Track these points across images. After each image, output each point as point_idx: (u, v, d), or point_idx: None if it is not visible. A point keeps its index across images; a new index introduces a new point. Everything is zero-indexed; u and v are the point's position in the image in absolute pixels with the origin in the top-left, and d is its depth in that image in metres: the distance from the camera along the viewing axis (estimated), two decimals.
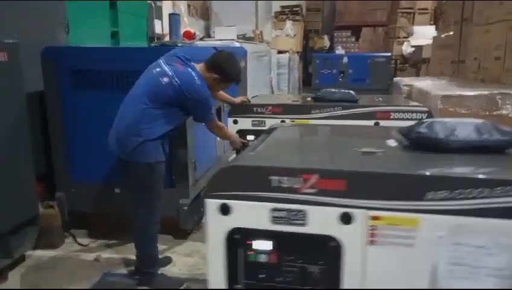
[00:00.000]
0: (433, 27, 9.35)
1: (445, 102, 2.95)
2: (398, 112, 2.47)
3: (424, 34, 9.33)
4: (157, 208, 2.29)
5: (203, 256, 2.66)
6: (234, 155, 3.17)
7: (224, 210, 1.10)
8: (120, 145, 2.16)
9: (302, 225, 1.07)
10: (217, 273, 1.15)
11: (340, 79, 10.24)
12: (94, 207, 2.88)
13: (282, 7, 11.90)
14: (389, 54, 10.37)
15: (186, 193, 2.75)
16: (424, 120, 1.27)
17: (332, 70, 10.34)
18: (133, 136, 2.11)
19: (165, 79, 2.09)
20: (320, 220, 1.06)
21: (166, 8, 5.39)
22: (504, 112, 2.98)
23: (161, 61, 2.18)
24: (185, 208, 2.72)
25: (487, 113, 3.00)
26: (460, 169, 1.08)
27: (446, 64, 6.47)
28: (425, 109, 2.46)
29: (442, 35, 6.80)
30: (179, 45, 2.95)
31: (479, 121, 1.23)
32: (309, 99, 2.84)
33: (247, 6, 7.03)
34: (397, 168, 1.06)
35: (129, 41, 4.18)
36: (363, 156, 1.19)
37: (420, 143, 1.20)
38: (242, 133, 2.70)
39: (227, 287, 1.15)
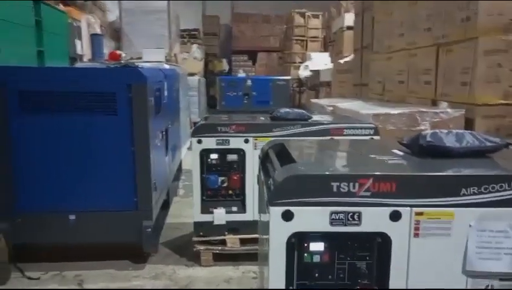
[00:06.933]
0: (326, 54, 10.21)
1: (376, 119, 3.34)
2: (350, 128, 2.74)
3: (319, 60, 10.14)
4: None
5: (170, 278, 2.66)
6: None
7: (287, 216, 1.20)
8: None
9: (357, 224, 1.22)
10: (278, 276, 1.23)
11: (245, 101, 10.61)
12: (44, 237, 2.69)
13: (181, 30, 12.02)
14: (289, 77, 11.03)
15: (150, 214, 2.71)
16: (425, 132, 1.50)
17: (238, 92, 10.66)
18: None
19: None
20: (373, 219, 1.21)
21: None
22: (422, 127, 3.45)
23: None
24: (149, 230, 2.68)
25: (409, 128, 3.46)
26: (477, 170, 1.32)
27: (347, 87, 7.17)
28: (372, 125, 2.77)
29: (342, 61, 7.51)
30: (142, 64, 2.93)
31: (465, 131, 1.51)
32: (262, 118, 3.01)
33: (159, 29, 7.03)
34: (434, 171, 1.26)
35: (53, 62, 3.97)
36: (391, 162, 1.38)
37: (428, 151, 1.43)
38: (206, 152, 2.76)
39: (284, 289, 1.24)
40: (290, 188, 1.20)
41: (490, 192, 1.21)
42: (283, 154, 1.56)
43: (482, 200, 1.21)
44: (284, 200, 1.20)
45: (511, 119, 3.33)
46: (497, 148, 1.45)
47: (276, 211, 1.20)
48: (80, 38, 4.86)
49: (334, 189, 1.20)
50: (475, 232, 1.23)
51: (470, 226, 1.22)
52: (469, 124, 3.41)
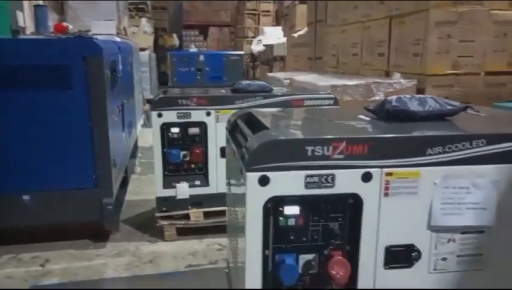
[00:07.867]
0: (279, 28, 10.20)
1: (334, 90, 3.40)
2: (310, 99, 2.78)
3: (272, 34, 10.12)
4: None
5: (134, 254, 2.63)
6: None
7: (264, 181, 1.21)
8: None
9: (331, 186, 1.25)
10: (255, 241, 1.24)
11: (198, 77, 10.42)
12: None
13: (128, 4, 11.54)
14: (242, 52, 10.91)
15: (110, 191, 2.65)
16: (390, 97, 1.55)
17: (190, 68, 10.42)
18: None
19: None
20: (346, 180, 1.25)
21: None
22: (377, 98, 3.56)
23: None
24: (110, 207, 2.62)
25: (365, 99, 3.55)
26: (441, 131, 1.38)
27: (301, 60, 7.22)
28: (332, 95, 2.82)
29: (295, 35, 7.53)
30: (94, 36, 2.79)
31: (427, 96, 1.58)
32: (223, 91, 2.98)
33: (106, 2, 6.72)
34: (402, 133, 1.31)
35: None
36: (359, 126, 1.42)
37: (393, 115, 1.48)
38: (167, 126, 2.71)
39: (261, 254, 1.26)
40: (266, 153, 1.20)
41: (453, 151, 1.27)
42: (253, 122, 1.56)
43: (446, 159, 1.27)
44: (259, 166, 1.20)
45: (459, 88, 3.50)
46: (457, 111, 1.53)
47: (252, 177, 1.20)
48: (22, 9, 4.56)
49: (309, 153, 1.21)
50: (439, 190, 1.29)
51: (435, 184, 1.28)
52: (420, 94, 3.54)
